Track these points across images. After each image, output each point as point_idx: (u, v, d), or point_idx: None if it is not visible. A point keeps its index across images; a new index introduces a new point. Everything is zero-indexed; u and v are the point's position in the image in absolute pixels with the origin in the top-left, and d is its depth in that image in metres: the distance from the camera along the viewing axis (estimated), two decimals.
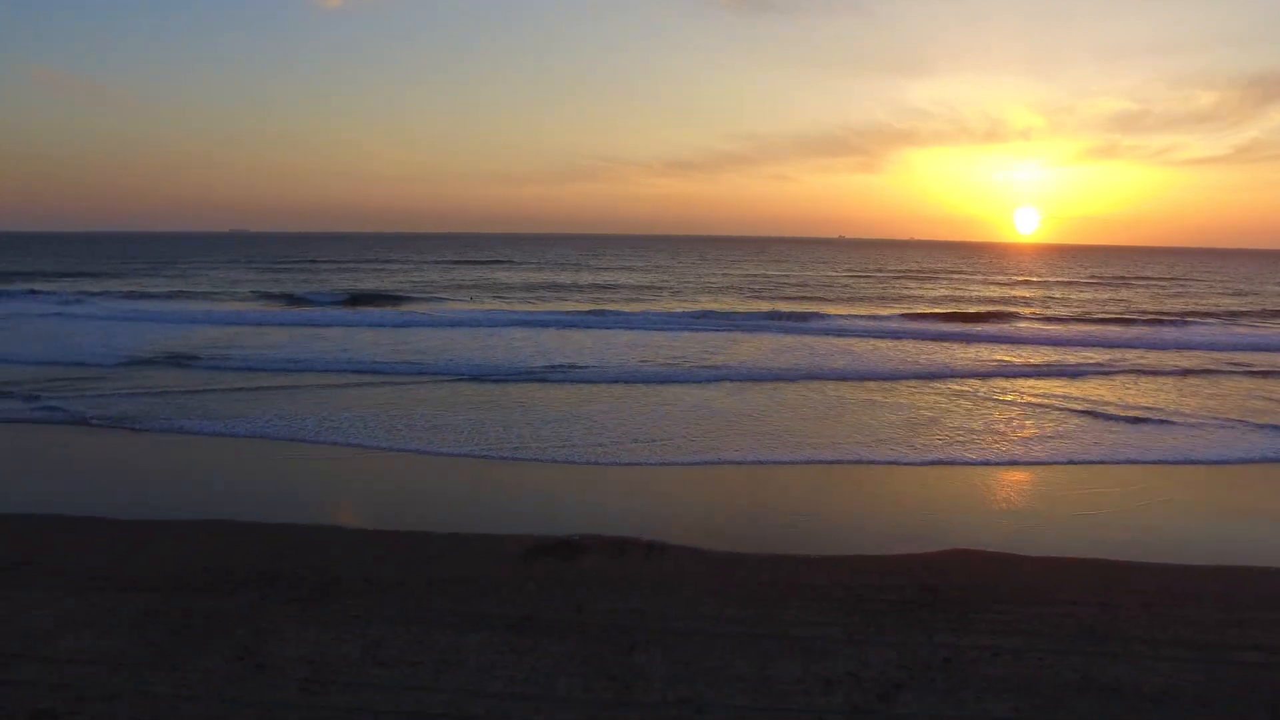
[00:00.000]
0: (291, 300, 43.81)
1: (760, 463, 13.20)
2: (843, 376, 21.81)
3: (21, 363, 22.60)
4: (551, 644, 6.71)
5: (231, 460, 13.28)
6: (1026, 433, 15.55)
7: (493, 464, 13.01)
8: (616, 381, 20.45)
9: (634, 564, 8.50)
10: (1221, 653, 6.70)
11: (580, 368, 22.30)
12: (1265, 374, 23.57)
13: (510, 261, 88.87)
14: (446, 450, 13.73)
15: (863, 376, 21.88)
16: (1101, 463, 13.43)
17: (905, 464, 13.23)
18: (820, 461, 13.34)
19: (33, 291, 46.18)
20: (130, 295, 45.87)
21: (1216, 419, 16.91)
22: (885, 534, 9.79)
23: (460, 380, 20.51)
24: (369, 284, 55.57)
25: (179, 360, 23.07)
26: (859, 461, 13.37)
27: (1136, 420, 16.62)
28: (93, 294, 45.81)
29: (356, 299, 44.08)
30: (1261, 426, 16.10)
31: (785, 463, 13.23)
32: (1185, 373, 23.47)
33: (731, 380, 20.89)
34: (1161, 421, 16.54)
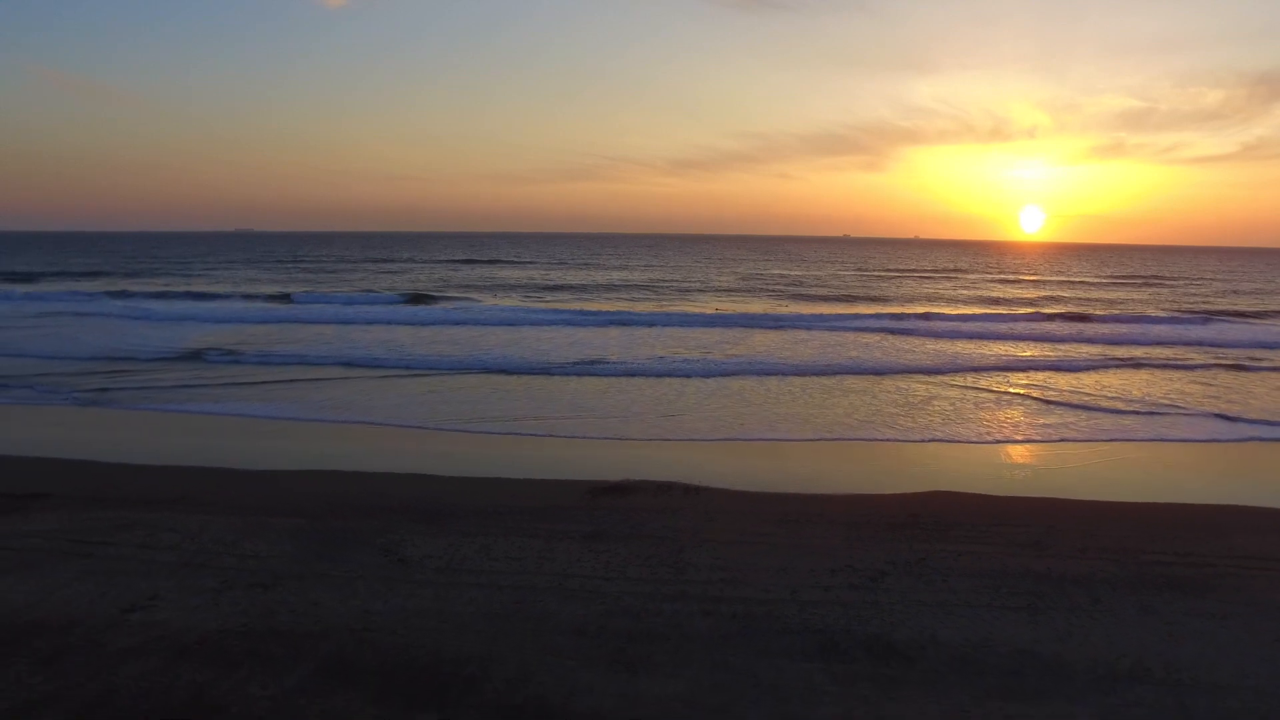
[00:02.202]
0: (318, 300, 45.75)
1: (776, 439, 15.23)
2: (853, 370, 23.74)
3: (79, 358, 24.40)
4: (620, 548, 8.75)
5: (304, 434, 15.30)
6: (1009, 414, 17.59)
7: (538, 439, 15.02)
8: (644, 375, 22.39)
9: (676, 499, 10.54)
10: (1135, 555, 8.72)
11: (608, 361, 24.26)
12: (1236, 367, 25.53)
13: (522, 261, 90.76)
14: (493, 430, 15.77)
15: (875, 370, 23.74)
16: (1070, 441, 15.46)
17: (901, 440, 15.25)
18: (828, 438, 15.37)
19: (73, 292, 48.32)
20: (160, 294, 47.80)
21: (1178, 407, 18.92)
22: (880, 483, 11.80)
23: (505, 374, 22.48)
24: (386, 283, 57.61)
25: (223, 353, 24.94)
26: (862, 438, 15.39)
27: (1099, 409, 18.62)
28: (129, 293, 47.89)
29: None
30: (1207, 414, 18.11)
31: (798, 439, 15.26)
32: (1164, 365, 25.45)
33: (749, 373, 22.84)
34: (1134, 412, 18.54)
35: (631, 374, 22.09)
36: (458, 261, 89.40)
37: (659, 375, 21.99)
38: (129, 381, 20.29)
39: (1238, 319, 41.86)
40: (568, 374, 22.13)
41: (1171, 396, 20.03)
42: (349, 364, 23.53)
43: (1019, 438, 15.49)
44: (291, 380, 20.71)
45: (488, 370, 22.54)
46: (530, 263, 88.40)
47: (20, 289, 50.64)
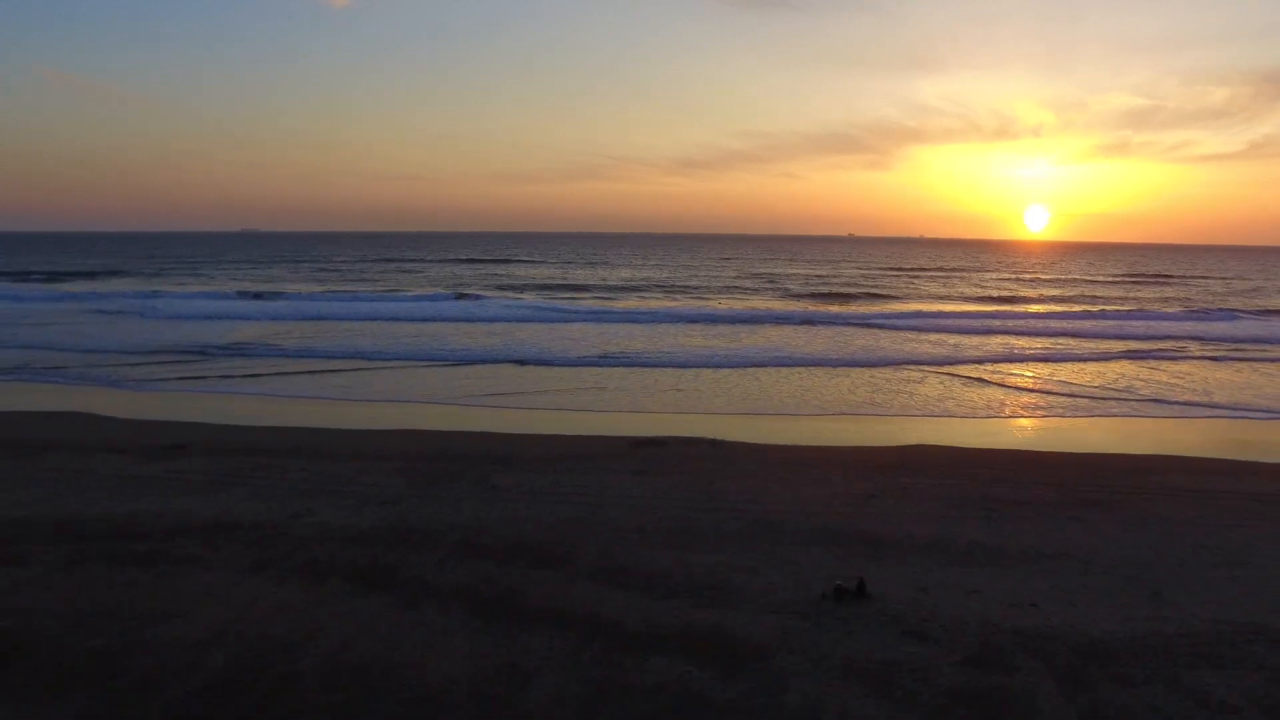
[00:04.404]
0: (346, 299, 47.80)
1: (785, 413, 17.45)
2: (856, 361, 25.91)
3: (134, 351, 26.11)
4: (662, 480, 10.98)
5: (373, 409, 17.53)
6: (992, 394, 19.83)
7: (581, 412, 17.25)
8: (664, 365, 24.47)
9: (703, 450, 12.78)
10: (1075, 487, 10.92)
11: (631, 351, 26.43)
12: (1211, 359, 27.72)
13: (534, 260, 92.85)
14: (539, 405, 18.01)
15: (877, 361, 25.88)
16: (1039, 416, 17.69)
17: (895, 415, 17.47)
18: (830, 413, 17.60)
19: (100, 291, 50.62)
20: (188, 293, 49.90)
21: (1135, 390, 21.15)
22: (874, 440, 14.01)
23: (539, 365, 24.66)
24: (401, 282, 59.86)
25: (267, 346, 26.82)
26: (861, 412, 17.62)
27: (1071, 394, 20.85)
28: (160, 293, 50.03)
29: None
30: (1153, 399, 20.31)
31: (804, 414, 17.49)
32: (1146, 356, 27.65)
33: (759, 362, 25.01)
34: (1097, 397, 20.76)
35: (654, 364, 24.17)
36: (474, 260, 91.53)
37: (678, 366, 24.04)
38: (190, 370, 22.34)
39: (1232, 315, 43.84)
40: (597, 364, 24.17)
41: (1143, 379, 22.21)
42: (384, 356, 25.41)
43: (999, 413, 17.68)
44: (339, 370, 22.80)
45: (524, 361, 24.55)
46: (541, 262, 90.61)
47: (51, 288, 52.95)
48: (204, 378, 21.24)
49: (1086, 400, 19.27)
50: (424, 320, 35.28)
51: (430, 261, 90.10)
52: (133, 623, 6.53)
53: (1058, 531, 9.18)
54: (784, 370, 22.73)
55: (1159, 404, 19.19)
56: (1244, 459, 13.03)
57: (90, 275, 67.71)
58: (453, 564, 7.92)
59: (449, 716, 5.30)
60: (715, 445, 13.10)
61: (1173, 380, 22.40)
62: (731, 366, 23.93)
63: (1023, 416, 17.39)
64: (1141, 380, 22.20)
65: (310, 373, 22.15)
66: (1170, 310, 45.48)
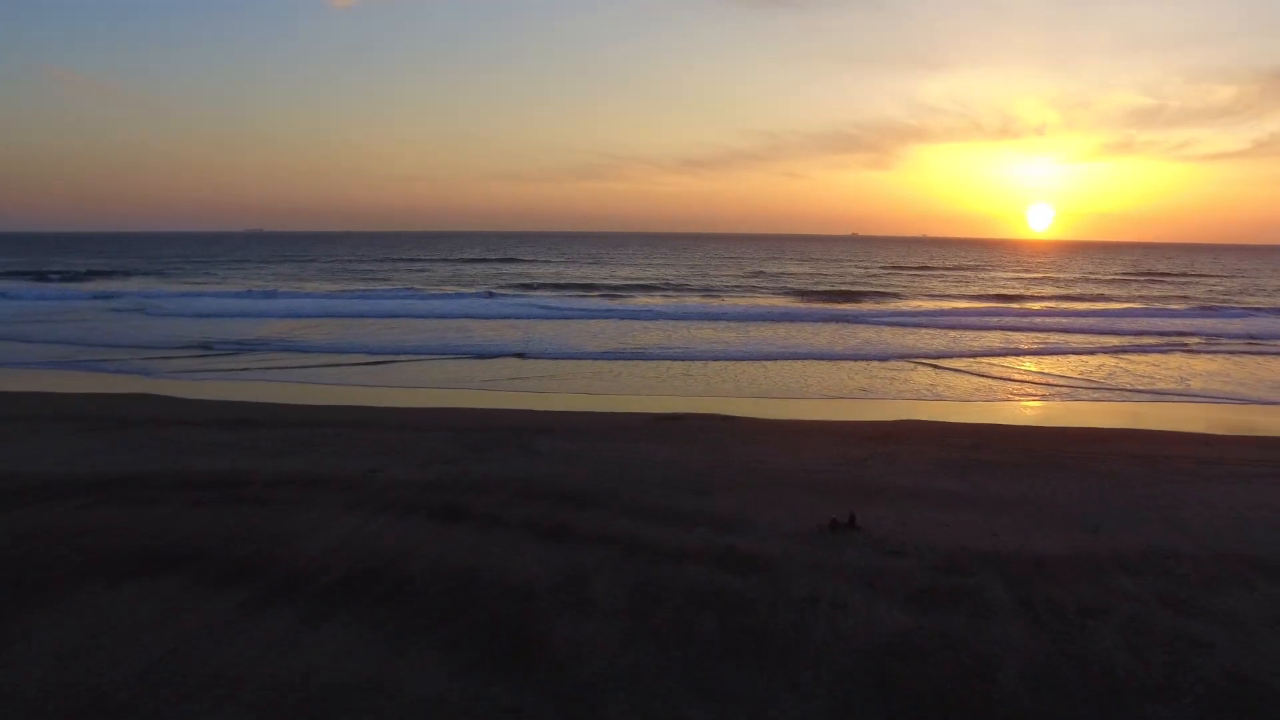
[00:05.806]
0: (362, 297, 49.44)
1: (787, 396, 19.03)
2: (856, 355, 27.49)
3: (166, 346, 27.48)
4: (681, 446, 12.57)
5: (409, 394, 19.12)
6: (979, 383, 21.39)
7: (601, 396, 18.84)
8: (675, 358, 26.16)
9: (715, 423, 14.37)
10: (1039, 453, 12.49)
11: (643, 345, 28.04)
12: (1189, 351, 29.24)
13: (541, 260, 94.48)
14: (560, 390, 19.59)
15: (875, 356, 27.50)
16: (1018, 400, 19.24)
17: (888, 398, 19.04)
18: (829, 396, 19.17)
19: (124, 290, 52.22)
20: (211, 292, 51.55)
21: (1112, 379, 22.67)
22: (868, 417, 15.59)
23: (556, 359, 26.27)
24: (414, 280, 61.46)
25: (285, 343, 28.25)
26: (857, 396, 19.20)
27: (1050, 384, 22.40)
28: (188, 292, 51.69)
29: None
30: (1119, 387, 21.87)
31: (805, 397, 19.06)
32: (1128, 350, 29.20)
33: (764, 356, 26.64)
34: (1073, 386, 22.30)
35: (666, 356, 25.80)
36: (482, 260, 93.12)
37: (689, 357, 25.67)
38: (226, 364, 23.80)
39: (1229, 313, 45.20)
40: (614, 355, 25.77)
41: (1126, 370, 23.81)
42: (416, 350, 26.96)
43: (986, 397, 19.27)
44: (374, 364, 24.46)
45: (546, 354, 26.25)
46: (547, 261, 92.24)
47: (71, 287, 54.62)
48: (243, 369, 22.83)
49: (1067, 388, 20.84)
50: (446, 316, 36.91)
51: (437, 260, 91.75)
52: (264, 541, 8.12)
53: (1021, 485, 10.76)
54: (789, 361, 24.32)
55: (1135, 391, 20.75)
56: (1197, 432, 14.60)
57: (106, 274, 69.45)
58: (513, 505, 9.50)
59: (534, 600, 6.89)
60: (725, 420, 14.69)
61: (1153, 371, 23.95)
62: (739, 358, 25.53)
63: (1006, 399, 18.96)
64: (1124, 370, 23.77)
65: (350, 365, 23.73)
66: (1167, 308, 46.96)
